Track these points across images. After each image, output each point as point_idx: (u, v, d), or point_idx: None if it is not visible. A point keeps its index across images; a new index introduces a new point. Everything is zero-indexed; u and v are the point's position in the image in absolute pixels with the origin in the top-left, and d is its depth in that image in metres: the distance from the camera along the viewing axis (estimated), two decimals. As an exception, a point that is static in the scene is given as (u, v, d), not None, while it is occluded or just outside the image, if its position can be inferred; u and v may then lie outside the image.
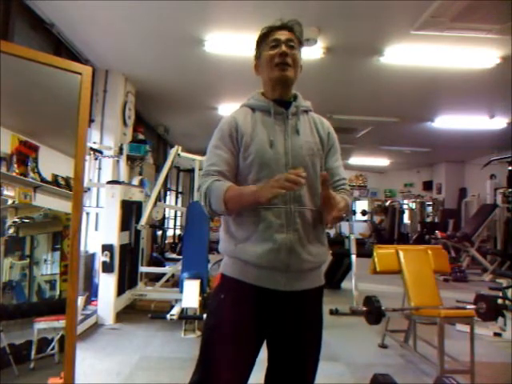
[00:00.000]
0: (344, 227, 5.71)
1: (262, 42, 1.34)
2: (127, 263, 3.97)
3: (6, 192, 1.66)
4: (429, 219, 10.69)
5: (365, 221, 11.55)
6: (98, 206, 4.39)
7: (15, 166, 1.72)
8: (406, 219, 11.30)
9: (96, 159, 4.22)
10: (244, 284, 1.21)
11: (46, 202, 1.80)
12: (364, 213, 11.07)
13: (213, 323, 1.26)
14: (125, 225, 3.85)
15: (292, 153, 1.24)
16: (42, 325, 1.71)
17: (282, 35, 1.29)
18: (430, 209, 11.03)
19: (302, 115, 1.33)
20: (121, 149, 4.71)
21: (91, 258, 4.10)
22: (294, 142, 1.26)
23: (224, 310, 1.24)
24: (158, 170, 5.71)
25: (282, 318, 1.22)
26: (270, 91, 1.32)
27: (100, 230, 4.08)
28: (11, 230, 1.69)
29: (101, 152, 4.23)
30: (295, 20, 1.34)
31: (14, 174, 1.71)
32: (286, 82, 1.29)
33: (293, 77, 1.29)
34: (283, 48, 1.27)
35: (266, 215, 1.20)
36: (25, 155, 1.75)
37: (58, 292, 1.79)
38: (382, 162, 10.71)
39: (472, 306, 2.77)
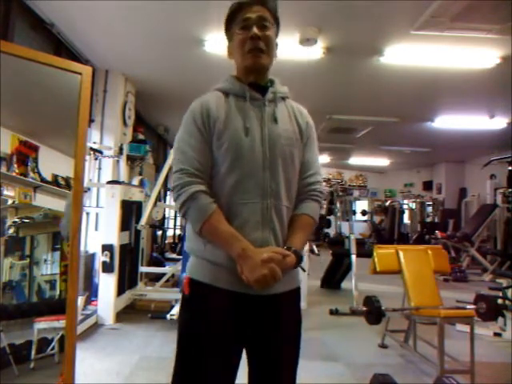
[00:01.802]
0: (344, 227, 5.70)
1: (231, 21, 1.20)
2: (127, 263, 3.97)
3: (5, 192, 1.66)
4: (429, 219, 10.69)
5: (365, 221, 11.54)
6: (98, 206, 4.39)
7: (15, 165, 1.72)
8: (406, 219, 11.30)
9: (96, 159, 4.22)
10: (215, 289, 1.09)
11: (45, 201, 1.80)
12: (364, 213, 11.07)
13: (186, 336, 1.14)
14: (125, 225, 3.85)
15: (269, 142, 1.13)
16: (42, 325, 1.71)
17: (254, 12, 1.15)
18: (429, 209, 11.03)
19: (280, 102, 1.21)
20: (121, 149, 4.71)
21: (91, 258, 4.10)
22: (272, 131, 1.14)
23: (196, 319, 1.12)
24: (158, 170, 5.71)
25: (258, 323, 1.11)
26: (244, 77, 1.20)
27: (100, 230, 4.08)
28: (11, 230, 1.69)
29: (101, 152, 4.23)
30: None
31: (14, 174, 1.71)
32: (260, 69, 1.18)
33: (267, 63, 1.18)
34: (254, 30, 1.13)
35: (241, 211, 1.09)
36: (25, 155, 1.75)
37: (57, 292, 1.79)
38: (382, 161, 10.71)
39: (472, 306, 2.77)
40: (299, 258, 1.12)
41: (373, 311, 2.72)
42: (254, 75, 1.19)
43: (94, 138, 4.48)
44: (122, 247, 3.77)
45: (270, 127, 1.15)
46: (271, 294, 1.09)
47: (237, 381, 1.17)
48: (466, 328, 2.75)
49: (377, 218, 12.13)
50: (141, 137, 5.35)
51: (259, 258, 1.03)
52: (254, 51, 1.15)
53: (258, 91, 1.18)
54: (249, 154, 1.11)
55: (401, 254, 2.96)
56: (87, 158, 3.81)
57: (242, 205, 1.09)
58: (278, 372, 1.16)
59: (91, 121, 4.43)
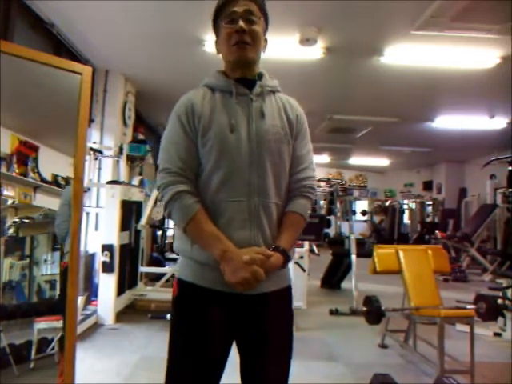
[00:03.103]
0: (344, 227, 5.70)
1: (218, 15, 1.18)
2: (127, 263, 3.97)
3: (6, 192, 1.66)
4: (429, 219, 10.69)
5: (365, 221, 11.55)
6: (98, 206, 4.38)
7: (15, 165, 1.72)
8: (406, 219, 11.31)
9: (96, 159, 4.21)
10: (202, 289, 1.08)
11: (45, 202, 1.80)
12: (364, 213, 11.08)
13: (174, 333, 1.17)
14: (125, 225, 3.85)
15: (256, 138, 1.10)
16: (42, 325, 1.71)
17: (240, 6, 1.13)
18: (430, 209, 11.04)
19: (269, 96, 1.18)
20: (121, 149, 4.71)
21: (91, 258, 4.10)
22: (259, 127, 1.11)
23: (184, 319, 1.13)
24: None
25: (248, 323, 1.11)
26: (230, 71, 1.18)
27: (100, 230, 4.08)
28: (11, 230, 1.70)
29: (101, 152, 4.22)
30: None
31: (13, 174, 1.71)
32: (245, 63, 1.15)
33: (254, 56, 1.16)
34: (240, 23, 1.11)
35: (227, 209, 1.07)
36: (25, 155, 1.75)
37: (58, 292, 1.79)
38: (382, 161, 10.70)
39: (472, 306, 2.78)
40: (286, 258, 1.10)
41: (373, 311, 2.72)
42: (240, 69, 1.17)
43: (94, 138, 4.48)
44: (122, 247, 3.77)
45: (258, 123, 1.12)
46: (259, 293, 1.08)
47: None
48: (466, 328, 2.75)
49: (377, 218, 12.12)
50: (141, 137, 5.35)
51: (241, 259, 1.01)
52: (239, 44, 1.13)
53: (245, 86, 1.16)
54: (234, 150, 1.08)
55: (401, 254, 2.96)
56: (87, 158, 3.81)
57: (228, 203, 1.07)
58: (269, 371, 1.14)
59: (91, 121, 4.43)
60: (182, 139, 1.11)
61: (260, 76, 1.20)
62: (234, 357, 1.16)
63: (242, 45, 1.13)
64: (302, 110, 1.24)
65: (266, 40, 1.22)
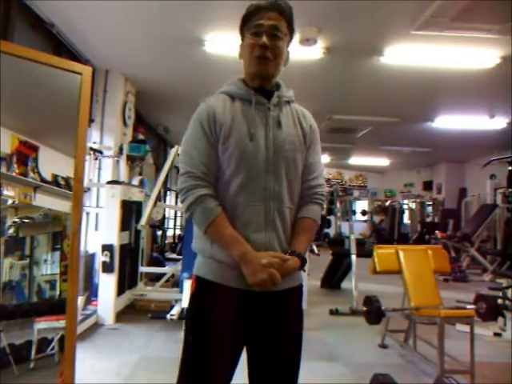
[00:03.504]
0: (344, 227, 5.70)
1: (245, 24, 1.22)
2: (127, 263, 3.96)
3: (6, 192, 1.66)
4: (429, 219, 10.70)
5: (365, 221, 11.55)
6: (98, 206, 4.38)
7: (15, 166, 1.72)
8: (406, 219, 11.31)
9: (96, 159, 4.22)
10: (219, 286, 1.14)
11: (45, 202, 1.80)
12: (364, 213, 11.07)
13: (192, 329, 1.20)
14: (125, 225, 3.85)
15: (274, 147, 1.17)
16: (42, 325, 1.71)
17: (268, 20, 1.16)
18: (430, 209, 11.04)
19: (285, 106, 1.24)
20: (121, 149, 4.71)
21: (91, 258, 4.10)
22: (276, 136, 1.18)
23: (201, 314, 1.18)
24: (158, 169, 5.71)
25: (260, 320, 1.16)
26: (250, 81, 1.23)
27: (100, 230, 4.08)
28: (11, 230, 1.69)
29: (101, 152, 4.23)
30: (285, 1, 1.20)
31: (13, 174, 1.71)
32: (264, 77, 1.21)
33: (274, 72, 1.21)
34: (264, 39, 1.15)
35: (244, 213, 1.14)
36: (25, 155, 1.75)
37: (58, 292, 1.79)
38: (382, 161, 10.71)
39: (472, 306, 2.78)
40: (302, 261, 1.17)
41: (373, 311, 2.72)
42: (259, 81, 1.22)
43: (94, 137, 4.48)
44: (122, 247, 3.77)
45: (275, 132, 1.18)
46: (275, 290, 1.13)
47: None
48: (466, 328, 2.75)
49: (377, 218, 12.12)
50: (141, 137, 5.35)
51: (259, 262, 1.08)
52: (260, 59, 1.17)
53: (263, 95, 1.21)
54: (253, 158, 1.15)
55: (401, 254, 2.96)
56: (87, 158, 3.81)
57: (245, 207, 1.14)
58: (279, 368, 1.19)
59: (91, 121, 4.43)
60: (204, 145, 1.16)
61: (278, 86, 1.26)
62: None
63: (263, 60, 1.17)
64: (314, 121, 1.31)
65: (288, 53, 1.26)
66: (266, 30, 1.16)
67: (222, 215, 1.13)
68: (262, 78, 1.22)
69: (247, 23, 1.21)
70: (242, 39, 1.25)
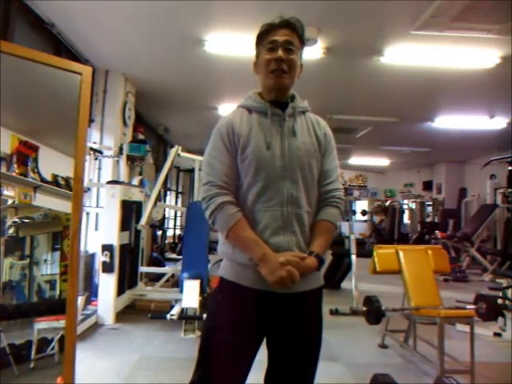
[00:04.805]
0: (344, 227, 5.69)
1: (260, 40, 1.31)
2: (127, 263, 3.97)
3: (6, 192, 1.66)
4: (429, 219, 10.69)
5: (365, 221, 11.55)
6: (98, 206, 4.38)
7: (15, 166, 1.72)
8: (406, 219, 11.30)
9: (96, 159, 4.22)
10: (241, 287, 1.21)
11: (45, 202, 1.80)
12: (364, 213, 11.07)
13: (211, 325, 1.27)
14: (125, 225, 3.85)
15: (289, 155, 1.24)
16: (42, 325, 1.71)
17: (281, 36, 1.25)
18: (430, 209, 11.03)
19: (299, 116, 1.31)
20: (121, 149, 4.71)
21: (91, 258, 4.10)
22: (291, 144, 1.25)
23: (222, 312, 1.25)
24: (158, 169, 5.71)
25: (281, 320, 1.21)
26: (266, 94, 1.31)
27: (100, 230, 4.08)
28: (11, 230, 1.69)
29: (101, 152, 4.23)
30: (296, 17, 1.29)
31: (13, 174, 1.71)
32: (281, 89, 1.29)
33: (289, 84, 1.29)
34: (279, 53, 1.24)
35: (263, 217, 1.20)
36: (25, 155, 1.75)
37: (58, 292, 1.79)
38: (382, 161, 10.70)
39: (472, 306, 2.77)
40: (320, 261, 1.22)
41: (373, 311, 2.72)
42: (275, 93, 1.29)
43: (94, 137, 4.48)
44: (122, 247, 3.77)
45: (290, 141, 1.25)
46: (295, 292, 1.19)
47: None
48: (466, 328, 2.75)
49: (377, 218, 12.12)
50: (141, 137, 5.35)
51: (277, 261, 1.14)
52: (276, 72, 1.25)
53: (278, 106, 1.28)
54: (270, 166, 1.22)
55: (401, 254, 2.96)
56: (87, 158, 3.81)
57: (264, 212, 1.21)
58: (297, 368, 1.24)
59: (91, 121, 4.43)
60: (225, 156, 1.24)
61: (292, 98, 1.33)
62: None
63: (278, 72, 1.25)
64: (329, 129, 1.37)
65: (301, 65, 1.33)
66: (280, 44, 1.25)
67: (243, 220, 1.20)
68: (278, 90, 1.29)
69: (262, 41, 1.30)
70: (256, 55, 1.34)
